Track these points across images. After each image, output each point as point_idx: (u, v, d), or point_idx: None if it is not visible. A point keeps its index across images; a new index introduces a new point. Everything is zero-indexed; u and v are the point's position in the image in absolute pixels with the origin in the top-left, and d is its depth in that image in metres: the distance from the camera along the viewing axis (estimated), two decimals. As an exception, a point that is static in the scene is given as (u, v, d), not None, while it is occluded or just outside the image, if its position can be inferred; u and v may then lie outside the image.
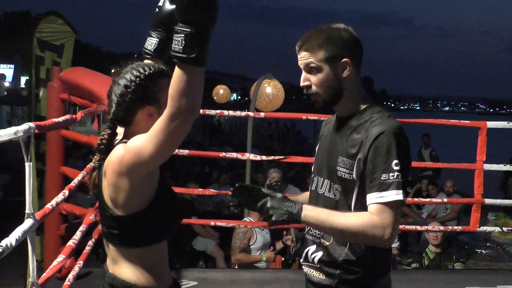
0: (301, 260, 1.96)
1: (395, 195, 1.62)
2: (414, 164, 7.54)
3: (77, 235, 3.47)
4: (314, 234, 1.87)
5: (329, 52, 1.71)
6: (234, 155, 5.09)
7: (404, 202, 1.64)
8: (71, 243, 3.33)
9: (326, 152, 1.85)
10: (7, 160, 11.80)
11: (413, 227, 5.54)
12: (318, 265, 1.83)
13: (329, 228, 1.66)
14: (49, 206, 2.84)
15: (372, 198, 1.64)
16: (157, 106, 1.54)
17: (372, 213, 1.63)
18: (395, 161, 1.65)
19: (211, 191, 5.60)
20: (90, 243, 3.86)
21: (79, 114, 3.78)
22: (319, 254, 1.83)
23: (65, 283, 3.12)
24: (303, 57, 1.77)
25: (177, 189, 5.68)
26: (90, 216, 3.86)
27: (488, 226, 5.45)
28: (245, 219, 5.35)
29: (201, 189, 5.88)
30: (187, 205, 6.45)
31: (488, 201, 4.60)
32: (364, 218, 1.63)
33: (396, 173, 1.65)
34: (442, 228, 5.32)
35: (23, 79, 28.22)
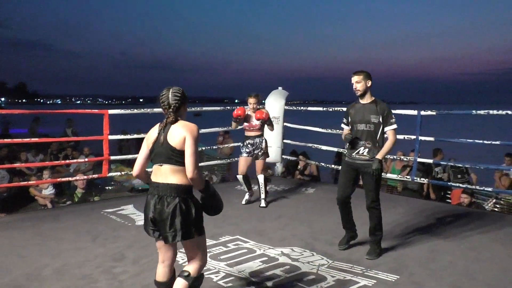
0: (355, 154, 3.17)
1: None
2: (62, 139, 7.51)
3: None
4: (364, 143, 3.14)
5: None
6: None
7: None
8: None
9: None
10: None
11: (66, 178, 5.74)
12: (367, 156, 3.14)
13: None
14: None
15: None
16: (186, 104, 2.22)
17: None
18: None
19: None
20: None
21: None
22: (366, 150, 3.14)
23: None
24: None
25: None
26: None
27: (113, 172, 5.81)
28: None
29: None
30: None
31: (112, 157, 5.27)
32: None
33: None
34: (85, 177, 5.76)
35: None
